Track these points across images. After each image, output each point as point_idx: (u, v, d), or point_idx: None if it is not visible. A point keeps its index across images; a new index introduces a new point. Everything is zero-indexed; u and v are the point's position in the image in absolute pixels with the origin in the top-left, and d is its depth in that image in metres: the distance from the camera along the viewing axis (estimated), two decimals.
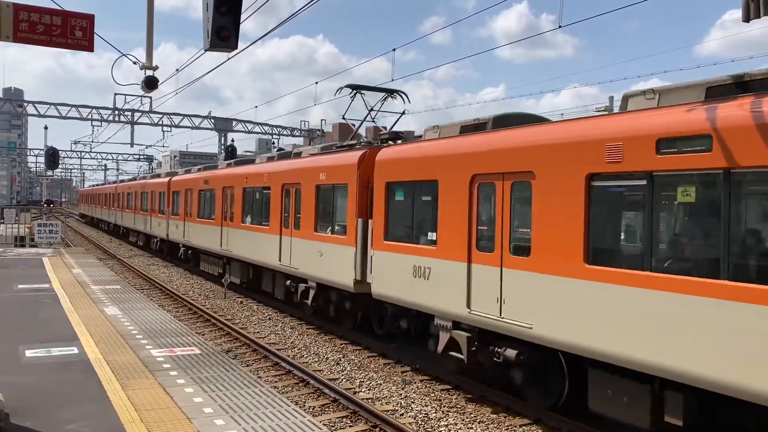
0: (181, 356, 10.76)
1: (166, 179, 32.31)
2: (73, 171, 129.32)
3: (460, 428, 9.63)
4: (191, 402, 8.28)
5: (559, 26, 12.26)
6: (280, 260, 17.41)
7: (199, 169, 29.42)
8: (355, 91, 16.41)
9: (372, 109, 16.71)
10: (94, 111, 47.65)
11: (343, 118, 17.04)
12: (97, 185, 77.84)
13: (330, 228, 15.19)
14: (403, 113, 17.32)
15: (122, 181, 54.83)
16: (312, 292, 16.08)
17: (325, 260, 14.92)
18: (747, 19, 7.67)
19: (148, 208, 35.63)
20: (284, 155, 19.87)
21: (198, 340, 12.15)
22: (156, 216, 33.64)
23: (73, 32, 8.95)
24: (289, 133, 55.08)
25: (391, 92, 16.78)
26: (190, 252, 27.65)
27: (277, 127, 54.10)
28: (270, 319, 18.11)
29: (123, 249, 39.85)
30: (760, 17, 7.64)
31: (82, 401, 8.18)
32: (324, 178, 15.31)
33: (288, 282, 17.30)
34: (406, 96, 16.83)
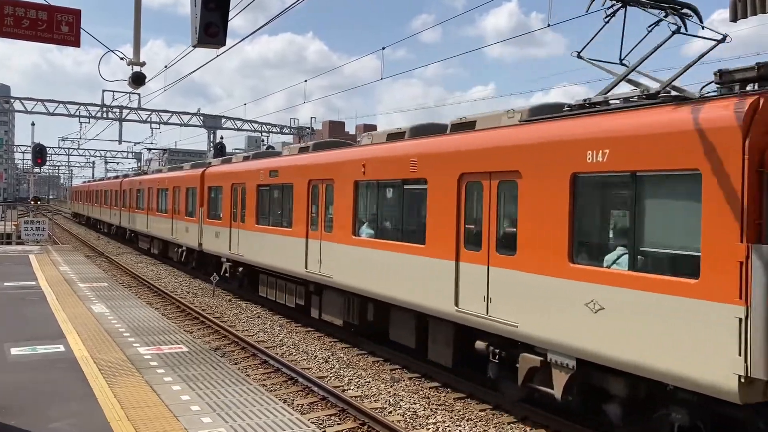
0: (168, 354, 10.70)
1: (198, 171, 24.99)
2: (60, 168, 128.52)
3: (448, 426, 9.64)
4: (178, 400, 8.24)
5: (548, 25, 12.30)
6: (457, 303, 10.40)
7: (246, 158, 22.12)
8: (620, 4, 8.94)
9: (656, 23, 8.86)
10: (81, 107, 47.29)
11: (578, 56, 9.51)
12: (95, 180, 66.66)
13: (614, 256, 8.21)
14: (723, 39, 8.52)
15: (126, 175, 46.56)
16: (562, 376, 8.80)
17: (608, 320, 7.95)
18: (735, 18, 7.74)
19: (168, 208, 28.47)
20: (430, 129, 12.55)
21: (186, 338, 12.09)
22: (181, 219, 26.27)
23: (59, 27, 8.88)
24: (279, 130, 54.93)
25: (679, 5, 8.94)
26: (241, 270, 20.11)
27: (266, 124, 53.91)
28: (259, 317, 18.05)
29: (111, 247, 39.60)
30: (747, 17, 7.70)
31: (68, 399, 8.12)
32: (602, 161, 8.13)
33: (483, 345, 10.12)
34: (697, 14, 8.95)
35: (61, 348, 10.81)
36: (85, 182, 74.47)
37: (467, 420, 9.91)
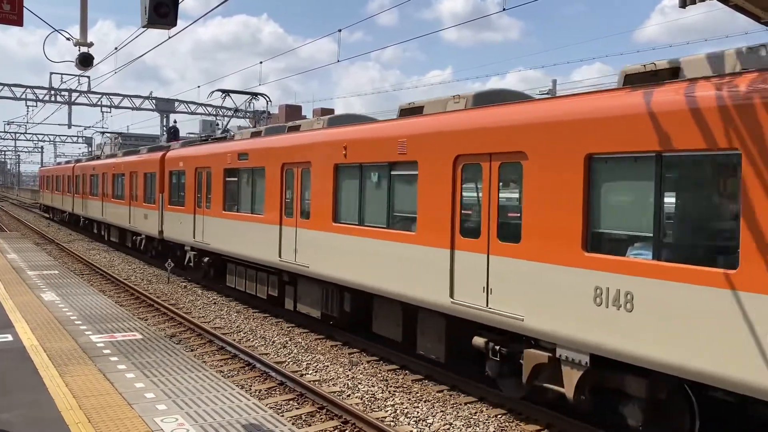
0: (122, 342, 10.51)
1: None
2: (6, 153, 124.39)
3: (406, 408, 9.72)
4: (132, 387, 8.10)
5: (503, 9, 12.33)
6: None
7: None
8: None
9: None
10: (28, 90, 45.77)
11: None
12: (90, 158, 45.23)
13: None
14: None
15: (165, 147, 25.18)
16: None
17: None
18: (683, 5, 7.89)
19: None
20: None
21: (140, 326, 11.89)
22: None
23: (1, 5, 8.52)
24: (234, 114, 54.09)
25: None
26: None
27: (221, 108, 53.06)
28: (215, 303, 17.85)
29: (62, 234, 38.61)
30: (695, 3, 7.86)
31: (17, 389, 7.91)
32: None
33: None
34: None
35: (9, 337, 10.50)
36: (62, 163, 53.88)
37: (425, 401, 10.01)
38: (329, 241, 12.73)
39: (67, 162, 50.05)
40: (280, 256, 14.48)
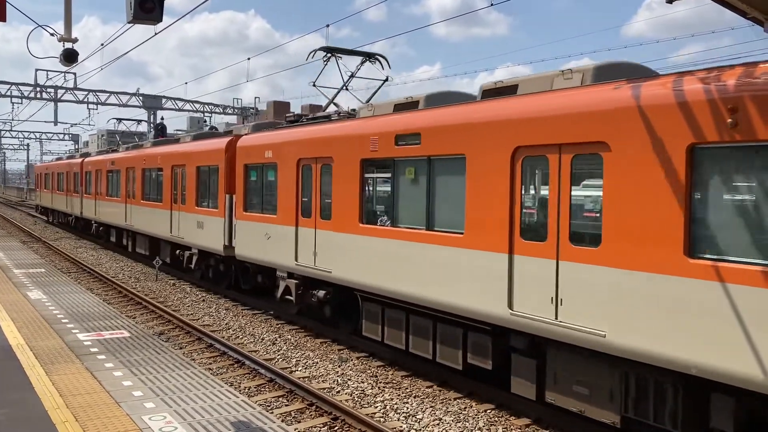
0: (109, 340, 10.45)
1: None
2: None
3: (395, 403, 9.73)
4: (120, 386, 8.06)
5: (491, 4, 12.32)
6: None
7: None
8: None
9: None
10: (13, 87, 45.37)
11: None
12: (95, 152, 38.27)
13: None
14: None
15: (227, 131, 20.96)
16: None
17: None
18: (670, 0, 7.92)
19: None
20: None
21: (128, 323, 11.83)
22: None
23: None
24: (222, 110, 53.93)
25: None
26: None
27: (208, 104, 52.88)
28: (204, 300, 17.78)
29: (48, 232, 38.31)
30: None
31: (3, 389, 7.85)
32: None
33: None
34: None
35: None
36: (63, 158, 46.02)
37: (414, 397, 10.02)
38: (681, 294, 6.61)
39: (70, 157, 44.07)
40: (511, 307, 8.58)
